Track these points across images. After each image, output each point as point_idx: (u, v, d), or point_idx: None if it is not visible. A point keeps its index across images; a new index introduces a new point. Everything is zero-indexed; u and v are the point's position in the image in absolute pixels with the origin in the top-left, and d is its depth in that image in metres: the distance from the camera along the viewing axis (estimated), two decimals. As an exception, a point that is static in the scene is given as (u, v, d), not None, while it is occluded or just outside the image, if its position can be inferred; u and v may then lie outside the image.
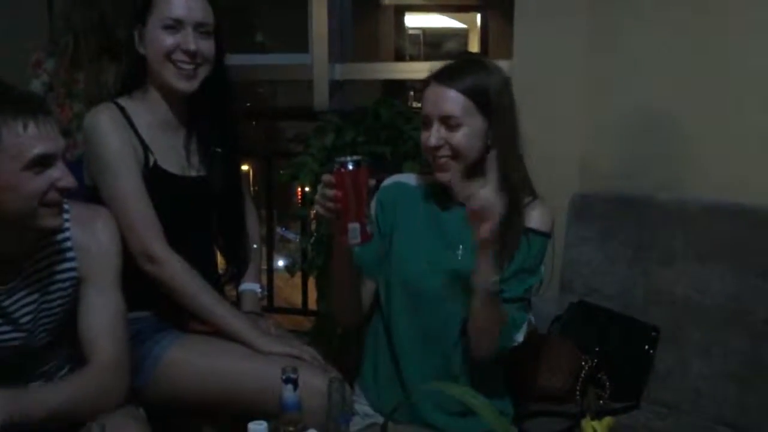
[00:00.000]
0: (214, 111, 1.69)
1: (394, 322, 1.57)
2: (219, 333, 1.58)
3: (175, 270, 1.56)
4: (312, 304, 2.76)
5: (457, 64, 1.52)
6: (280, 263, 3.51)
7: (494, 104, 1.48)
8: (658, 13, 2.06)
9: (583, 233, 1.99)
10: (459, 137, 1.47)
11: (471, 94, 1.46)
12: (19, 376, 1.40)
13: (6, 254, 1.32)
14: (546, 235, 1.55)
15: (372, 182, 1.34)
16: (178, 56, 1.58)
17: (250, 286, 1.80)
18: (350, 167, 1.30)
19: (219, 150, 1.70)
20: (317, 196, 1.35)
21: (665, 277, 1.84)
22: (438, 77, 1.49)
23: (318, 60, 2.76)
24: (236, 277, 1.81)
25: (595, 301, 1.94)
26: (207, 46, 1.61)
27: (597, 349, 1.80)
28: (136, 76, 1.65)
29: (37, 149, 1.24)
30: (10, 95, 1.26)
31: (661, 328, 1.82)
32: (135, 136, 1.60)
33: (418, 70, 2.80)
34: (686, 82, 2.02)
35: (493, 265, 1.40)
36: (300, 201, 2.71)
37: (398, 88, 3.60)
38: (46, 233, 1.33)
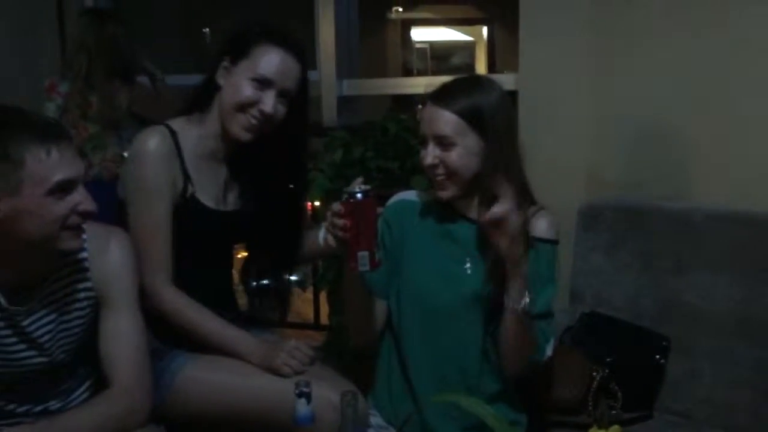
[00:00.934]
0: (278, 153, 1.68)
1: (405, 338, 1.58)
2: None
3: (173, 303, 1.57)
4: (324, 319, 2.78)
5: (452, 84, 1.54)
6: (292, 278, 3.53)
7: (489, 123, 1.49)
8: (663, 24, 2.08)
9: (591, 243, 1.99)
10: (453, 156, 1.49)
11: (464, 114, 1.48)
12: (37, 395, 1.42)
13: (26, 276, 1.35)
14: (554, 242, 1.56)
15: (380, 210, 1.38)
16: (253, 111, 1.58)
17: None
18: (359, 197, 1.35)
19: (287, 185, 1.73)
20: (327, 225, 1.40)
21: (675, 287, 1.84)
22: (433, 98, 1.51)
23: (326, 76, 2.80)
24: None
25: (605, 312, 1.94)
26: (281, 111, 1.60)
27: (608, 359, 1.80)
28: (202, 100, 1.65)
29: (60, 175, 1.27)
30: (32, 122, 1.29)
31: (671, 338, 1.82)
32: (179, 164, 1.60)
33: (426, 84, 2.82)
34: (691, 92, 2.03)
35: (525, 284, 1.42)
36: (310, 217, 2.73)
37: (406, 102, 3.62)
38: (65, 255, 1.36)
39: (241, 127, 1.59)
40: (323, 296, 2.72)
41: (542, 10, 2.24)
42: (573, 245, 2.02)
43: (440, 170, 1.50)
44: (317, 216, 2.55)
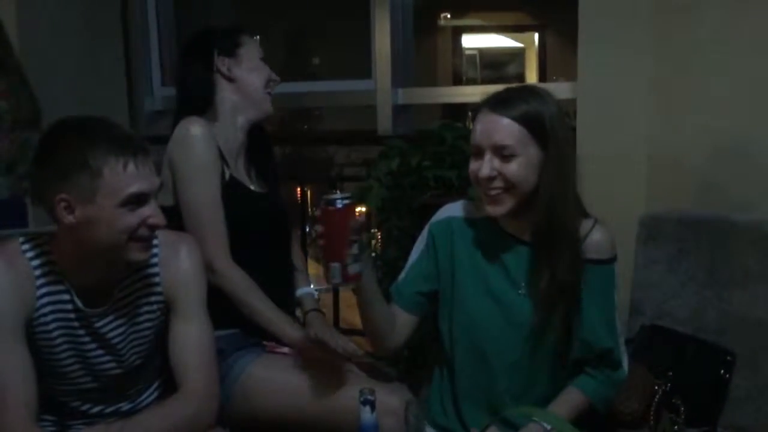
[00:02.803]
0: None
1: (456, 361, 1.55)
2: (296, 353, 1.64)
3: (235, 281, 1.64)
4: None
5: (509, 91, 1.46)
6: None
7: (550, 133, 1.41)
8: (728, 31, 2.04)
9: (653, 255, 1.96)
10: (513, 168, 1.40)
11: (525, 121, 1.40)
12: (109, 397, 1.47)
13: (101, 280, 1.40)
14: (609, 261, 1.50)
15: (359, 222, 1.32)
16: (272, 84, 1.82)
17: (306, 289, 1.88)
18: (334, 206, 1.30)
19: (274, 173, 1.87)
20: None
21: (740, 300, 1.80)
22: (490, 105, 1.43)
23: (381, 85, 2.81)
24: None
25: (667, 325, 1.91)
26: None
27: (670, 373, 1.77)
28: (202, 100, 1.78)
29: (134, 188, 1.31)
30: (113, 134, 1.33)
31: (736, 352, 1.78)
32: (218, 149, 1.71)
33: (479, 93, 2.81)
34: (759, 101, 1.99)
35: None
36: (365, 225, 2.76)
37: (457, 110, 3.63)
38: (132, 266, 1.40)
39: (269, 101, 1.83)
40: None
41: (602, 15, 2.21)
42: (633, 257, 1.99)
43: (497, 183, 1.42)
44: (371, 225, 2.58)
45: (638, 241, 1.99)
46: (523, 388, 1.51)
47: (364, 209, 1.32)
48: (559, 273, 1.44)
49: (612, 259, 1.51)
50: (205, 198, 1.65)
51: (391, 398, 1.47)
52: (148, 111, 3.13)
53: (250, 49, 1.81)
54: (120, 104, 3.00)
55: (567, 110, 2.11)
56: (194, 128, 1.67)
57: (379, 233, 2.48)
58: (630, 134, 2.21)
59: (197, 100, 1.77)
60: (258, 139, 1.85)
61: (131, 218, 1.32)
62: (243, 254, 1.67)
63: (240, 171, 1.78)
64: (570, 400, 1.51)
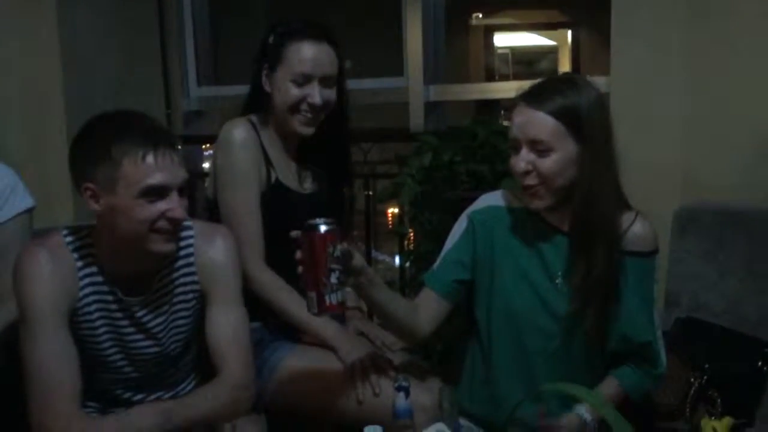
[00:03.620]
0: (330, 139, 1.78)
1: (493, 350, 1.55)
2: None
3: (267, 286, 1.65)
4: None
5: (546, 83, 1.44)
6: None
7: (586, 126, 1.38)
8: (760, 23, 2.01)
9: (688, 247, 1.95)
10: (549, 163, 1.39)
11: (561, 116, 1.38)
12: (150, 385, 1.51)
13: (139, 269, 1.43)
14: (650, 254, 1.49)
15: (339, 249, 1.27)
16: (304, 107, 1.68)
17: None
18: (314, 231, 1.26)
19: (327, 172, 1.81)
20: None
21: (779, 292, 1.78)
22: (526, 98, 1.41)
23: (413, 82, 2.83)
24: None
25: (703, 317, 1.89)
26: (330, 95, 1.71)
27: (707, 365, 1.75)
28: (257, 106, 1.75)
29: (152, 180, 1.32)
30: (136, 125, 1.36)
31: (775, 345, 1.76)
32: (263, 153, 1.71)
33: (511, 89, 2.80)
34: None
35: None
36: (390, 223, 2.78)
37: (490, 107, 3.63)
38: (158, 257, 1.41)
39: (299, 124, 1.70)
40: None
41: (636, 9, 2.20)
42: (669, 249, 1.97)
43: (532, 178, 1.41)
44: (403, 222, 2.60)
45: (674, 233, 1.98)
46: (560, 378, 1.49)
47: (343, 243, 1.27)
48: (596, 266, 1.43)
49: (652, 252, 1.50)
50: (241, 205, 1.66)
51: (424, 396, 1.48)
52: (185, 111, 3.19)
53: (287, 66, 1.68)
54: (157, 105, 3.06)
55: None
56: (237, 132, 1.67)
57: (411, 229, 2.50)
58: (665, 128, 2.19)
59: (253, 100, 1.76)
60: (322, 139, 1.76)
61: (150, 210, 1.33)
62: (280, 256, 1.68)
63: (289, 173, 1.76)
64: (607, 389, 1.51)
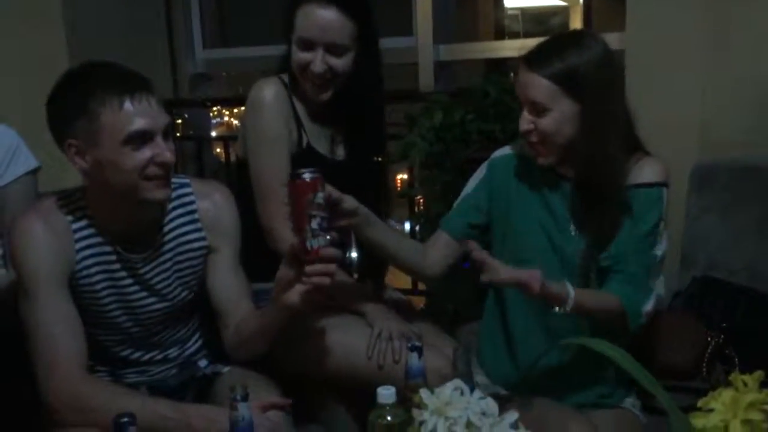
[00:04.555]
0: (360, 104, 1.71)
1: (511, 302, 1.56)
2: (343, 308, 1.64)
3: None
4: (422, 284, 2.79)
5: (547, 44, 1.46)
6: (352, 255, 3.56)
7: (585, 85, 1.41)
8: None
9: (705, 205, 1.91)
10: (545, 122, 1.43)
11: (557, 78, 1.41)
12: (158, 344, 1.51)
13: (138, 225, 1.41)
14: (657, 185, 1.48)
15: (320, 195, 1.31)
16: (310, 73, 1.62)
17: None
18: (299, 179, 1.31)
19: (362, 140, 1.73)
20: None
21: (797, 249, 1.75)
22: (525, 61, 1.45)
23: (423, 42, 2.78)
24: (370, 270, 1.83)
25: (720, 276, 1.87)
26: (340, 64, 1.62)
27: (724, 324, 1.73)
28: (286, 66, 1.69)
29: (133, 126, 1.30)
30: (112, 75, 1.34)
31: (793, 302, 1.73)
32: (293, 114, 1.66)
33: (521, 47, 2.75)
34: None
35: (554, 295, 1.39)
36: (399, 187, 2.75)
37: (500, 66, 3.56)
38: (153, 206, 1.40)
39: (310, 88, 1.64)
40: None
41: (652, -38, 2.14)
42: (685, 207, 1.94)
43: (533, 137, 1.46)
44: (413, 185, 2.57)
45: (690, 191, 1.94)
46: (575, 324, 1.49)
47: (325, 190, 1.32)
48: (606, 222, 1.45)
49: (658, 184, 1.49)
50: (270, 167, 1.62)
51: (439, 359, 1.47)
52: (191, 74, 3.15)
53: (296, 30, 1.63)
54: (162, 68, 3.02)
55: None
56: (267, 91, 1.63)
57: (421, 192, 2.47)
58: (681, 85, 2.14)
59: (285, 60, 1.69)
60: (359, 103, 1.70)
61: (137, 157, 1.31)
62: None
63: (321, 138, 1.71)
64: (601, 293, 1.49)
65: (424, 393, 0.93)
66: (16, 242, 1.36)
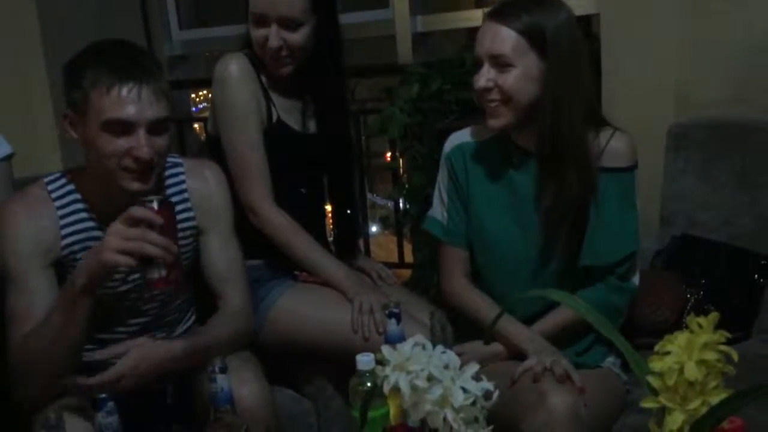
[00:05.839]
0: (326, 73, 1.69)
1: (482, 277, 1.57)
2: (322, 283, 1.64)
3: (276, 225, 1.62)
4: (408, 257, 2.81)
5: (514, 1, 1.43)
6: (373, 229, 3.56)
7: (551, 43, 1.38)
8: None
9: (682, 165, 1.91)
10: (509, 79, 1.38)
11: (524, 32, 1.37)
12: (145, 327, 1.49)
13: (125, 205, 1.40)
14: (627, 170, 1.47)
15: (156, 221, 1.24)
16: (267, 49, 1.60)
17: None
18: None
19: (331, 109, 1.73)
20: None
21: (774, 204, 1.76)
22: (491, 14, 1.41)
23: (399, 13, 2.75)
24: (341, 243, 1.85)
25: (699, 234, 1.88)
26: (295, 38, 1.60)
27: (703, 281, 1.75)
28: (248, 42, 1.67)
29: (114, 113, 1.28)
30: (116, 56, 1.32)
31: (771, 257, 1.75)
32: (261, 89, 1.65)
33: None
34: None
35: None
36: (389, 160, 2.74)
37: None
38: (131, 195, 1.35)
39: (270, 64, 1.63)
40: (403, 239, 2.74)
41: None
42: (663, 167, 1.94)
43: (494, 95, 1.41)
44: (396, 162, 2.57)
45: (667, 151, 1.95)
46: (543, 300, 1.51)
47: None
48: (566, 187, 1.43)
49: (630, 168, 1.49)
50: (243, 141, 1.61)
51: (418, 329, 1.47)
52: (168, 56, 3.12)
53: (251, 3, 1.61)
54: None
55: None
56: (232, 66, 1.61)
57: (402, 161, 2.47)
58: (656, 45, 2.13)
59: (249, 36, 1.66)
60: (321, 76, 1.69)
61: (114, 145, 1.30)
62: (282, 195, 1.65)
63: (291, 111, 1.70)
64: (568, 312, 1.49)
65: (385, 349, 0.93)
66: None
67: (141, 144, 1.30)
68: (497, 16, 1.41)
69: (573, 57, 1.41)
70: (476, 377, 0.85)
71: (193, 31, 3.17)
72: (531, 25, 1.38)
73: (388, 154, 2.87)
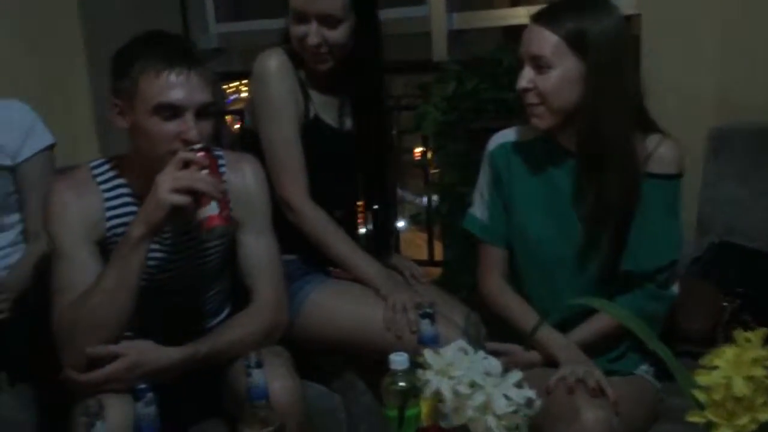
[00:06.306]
0: (364, 71, 1.70)
1: (521, 278, 1.56)
2: (359, 280, 1.65)
3: (312, 220, 1.63)
4: (438, 255, 2.80)
5: (560, 3, 1.44)
6: (401, 224, 3.55)
7: (593, 47, 1.37)
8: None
9: (722, 170, 1.88)
10: (549, 81, 1.38)
11: (565, 33, 1.37)
12: (182, 320, 1.52)
13: None
14: (673, 177, 1.46)
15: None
16: (307, 46, 1.61)
17: None
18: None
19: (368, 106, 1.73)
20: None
21: (817, 213, 1.72)
22: (535, 17, 1.42)
23: (435, 10, 2.74)
24: (375, 240, 1.86)
25: (738, 241, 1.84)
26: (335, 36, 1.60)
27: (740, 290, 1.71)
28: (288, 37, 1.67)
29: (164, 97, 1.32)
30: (161, 44, 1.36)
31: (812, 267, 1.71)
32: (299, 85, 1.66)
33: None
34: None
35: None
36: (419, 156, 2.74)
37: (517, 35, 3.51)
38: None
39: (309, 59, 1.64)
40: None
41: None
42: (702, 172, 1.91)
43: (532, 97, 1.41)
44: (426, 158, 2.56)
45: (707, 156, 1.92)
46: (583, 287, 1.49)
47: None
48: (607, 190, 1.42)
49: (676, 175, 1.47)
50: (280, 137, 1.62)
51: (452, 331, 1.47)
52: (204, 49, 3.14)
53: (290, 2, 1.62)
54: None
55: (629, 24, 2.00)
56: (271, 62, 1.62)
57: (433, 159, 2.46)
58: (697, 48, 2.09)
59: (288, 31, 1.67)
60: (359, 73, 1.69)
61: (164, 128, 1.33)
62: (318, 192, 1.66)
63: (328, 108, 1.71)
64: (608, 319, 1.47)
65: (427, 354, 0.93)
66: (48, 209, 1.41)
67: (190, 127, 1.33)
68: (540, 18, 1.41)
69: (615, 61, 1.40)
70: (518, 384, 0.84)
71: (229, 24, 3.18)
72: (573, 29, 1.38)
73: (417, 150, 2.87)
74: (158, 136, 1.34)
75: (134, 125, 1.36)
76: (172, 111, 1.33)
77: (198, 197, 1.30)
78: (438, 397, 0.86)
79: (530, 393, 0.88)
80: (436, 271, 2.69)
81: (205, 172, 1.31)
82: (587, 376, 1.34)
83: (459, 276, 2.33)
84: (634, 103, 1.44)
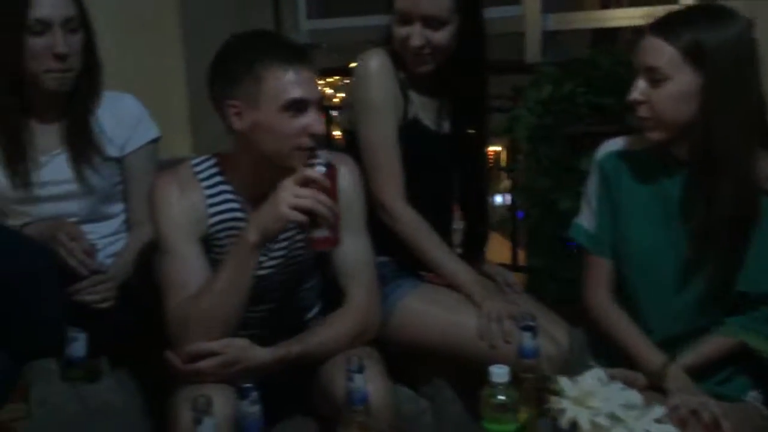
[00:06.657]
0: (468, 72, 1.69)
1: (626, 297, 1.51)
2: (452, 286, 1.63)
3: (407, 223, 1.62)
4: (522, 260, 2.75)
5: (678, 13, 1.38)
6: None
7: (711, 59, 1.31)
8: None
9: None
10: (662, 95, 1.34)
11: (682, 45, 1.32)
12: (277, 315, 1.54)
13: (268, 193, 1.42)
14: None
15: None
16: (409, 47, 1.61)
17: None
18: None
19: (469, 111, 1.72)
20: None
21: None
22: (652, 27, 1.37)
23: (530, 11, 2.69)
24: (469, 246, 1.84)
25: None
26: (438, 38, 1.60)
27: None
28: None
29: (294, 93, 1.36)
30: (278, 44, 1.41)
31: None
32: (399, 86, 1.66)
33: (633, 16, 2.63)
34: None
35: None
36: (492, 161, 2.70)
37: (608, 37, 3.42)
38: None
39: (411, 60, 1.63)
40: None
41: None
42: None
43: (644, 110, 1.37)
44: (513, 159, 2.51)
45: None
46: (691, 319, 1.45)
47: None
48: (719, 203, 1.36)
49: None
50: (378, 137, 1.63)
51: (550, 345, 1.45)
52: (297, 45, 3.17)
53: (394, 3, 1.62)
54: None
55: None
56: (372, 62, 1.63)
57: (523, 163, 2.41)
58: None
59: (390, 31, 1.67)
60: (461, 75, 1.68)
61: (292, 124, 1.37)
62: (414, 194, 1.66)
63: (428, 110, 1.70)
64: (722, 338, 1.43)
65: (564, 381, 0.90)
66: (153, 202, 1.45)
67: (317, 120, 1.38)
68: (658, 29, 1.37)
69: (735, 75, 1.34)
70: (660, 420, 0.81)
71: (320, 21, 3.21)
72: (690, 40, 1.33)
73: (491, 149, 2.82)
74: (287, 132, 1.37)
75: (256, 124, 1.38)
76: (300, 106, 1.37)
77: (314, 216, 1.32)
78: (572, 425, 0.83)
79: (672, 429, 0.83)
80: (520, 278, 2.65)
81: (324, 195, 1.32)
82: (702, 408, 1.28)
83: (545, 284, 2.28)
84: (755, 119, 1.38)
